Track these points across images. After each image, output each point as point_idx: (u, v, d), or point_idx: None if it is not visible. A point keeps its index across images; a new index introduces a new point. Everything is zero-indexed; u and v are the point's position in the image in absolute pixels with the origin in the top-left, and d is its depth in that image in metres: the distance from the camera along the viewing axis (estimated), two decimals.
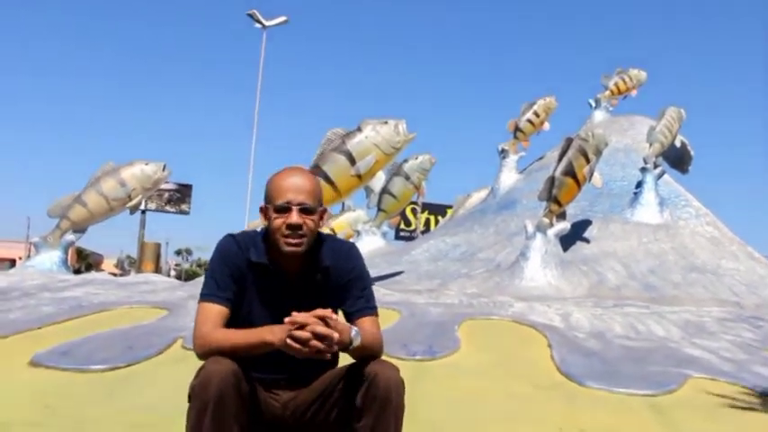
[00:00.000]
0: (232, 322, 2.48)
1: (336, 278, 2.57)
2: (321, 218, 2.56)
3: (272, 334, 2.30)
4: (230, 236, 2.61)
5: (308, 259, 2.55)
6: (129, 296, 8.19)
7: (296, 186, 2.49)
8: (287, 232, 2.46)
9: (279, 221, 2.48)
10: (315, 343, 2.26)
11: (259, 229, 2.66)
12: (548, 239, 9.69)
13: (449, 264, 11.40)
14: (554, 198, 9.94)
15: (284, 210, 2.47)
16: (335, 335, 2.28)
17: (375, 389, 2.33)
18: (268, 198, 2.53)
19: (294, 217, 2.46)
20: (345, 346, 2.35)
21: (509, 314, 6.97)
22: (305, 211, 2.48)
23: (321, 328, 2.27)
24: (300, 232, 2.47)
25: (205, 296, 2.50)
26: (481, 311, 7.11)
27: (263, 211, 2.56)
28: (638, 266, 10.34)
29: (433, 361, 5.26)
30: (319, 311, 2.30)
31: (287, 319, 2.29)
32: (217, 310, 2.47)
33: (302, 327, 2.28)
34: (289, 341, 2.26)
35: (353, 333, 2.37)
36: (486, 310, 7.17)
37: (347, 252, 2.63)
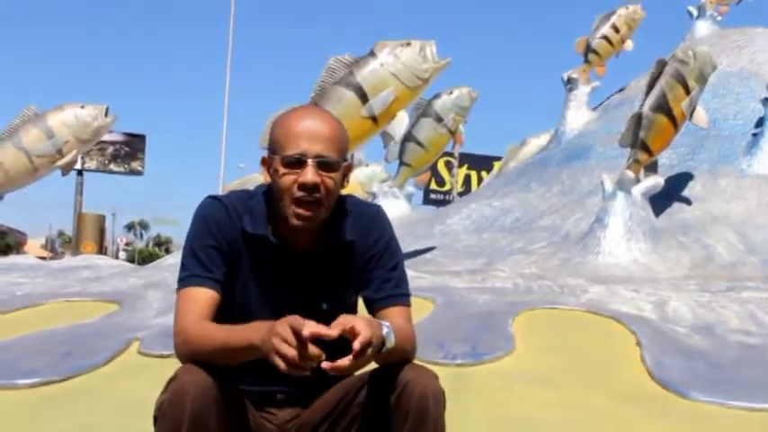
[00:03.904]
0: (224, 314, 2.48)
1: (359, 254, 2.58)
2: (345, 176, 2.54)
3: (258, 334, 2.26)
4: (215, 199, 2.60)
5: (325, 230, 2.54)
6: (64, 286, 8.25)
7: (313, 132, 2.47)
8: (298, 194, 2.44)
9: (288, 179, 2.45)
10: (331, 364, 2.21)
11: (252, 188, 2.65)
12: (633, 200, 9.63)
13: (498, 235, 11.39)
14: (641, 143, 9.86)
15: (296, 163, 2.45)
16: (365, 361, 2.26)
17: (407, 402, 2.33)
18: (274, 146, 2.51)
19: (309, 174, 2.43)
20: (377, 351, 2.31)
21: (582, 302, 6.96)
22: (324, 165, 2.45)
23: (347, 362, 2.22)
24: (317, 195, 2.45)
25: (185, 280, 2.51)
26: (543, 299, 7.10)
27: (266, 163, 2.55)
28: (760, 235, 10.26)
29: (479, 366, 5.28)
30: (358, 342, 2.20)
31: (306, 330, 2.16)
32: (203, 296, 2.48)
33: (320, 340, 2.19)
34: (278, 360, 2.17)
35: (386, 331, 2.35)
36: (549, 298, 7.17)
37: (371, 218, 2.63)
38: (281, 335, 2.16)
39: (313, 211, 2.46)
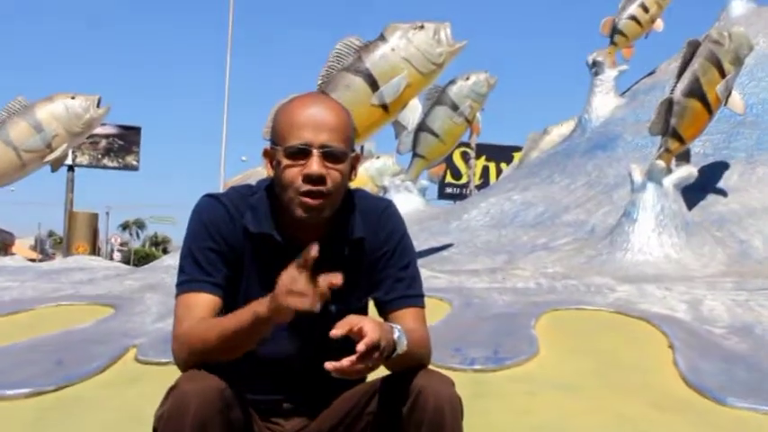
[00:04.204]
0: None
1: (369, 253, 2.59)
2: (353, 167, 2.56)
3: (260, 305, 2.29)
4: (212, 197, 2.61)
5: (333, 227, 2.55)
6: (55, 289, 8.27)
7: (318, 121, 2.48)
8: (304, 187, 2.45)
9: (292, 171, 2.46)
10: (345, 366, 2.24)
11: (254, 183, 2.66)
12: (664, 192, 9.61)
13: (519, 231, 11.38)
14: (673, 131, 9.83)
15: (300, 154, 2.46)
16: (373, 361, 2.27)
17: (421, 411, 2.35)
18: (276, 137, 2.52)
19: (314, 164, 2.45)
20: (386, 356, 2.34)
21: (610, 302, 6.95)
22: (330, 156, 2.47)
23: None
24: (323, 188, 2.46)
25: (184, 285, 2.52)
26: (568, 299, 7.10)
27: (269, 155, 2.56)
28: None
29: (500, 371, 5.27)
30: (362, 344, 2.24)
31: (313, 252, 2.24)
32: (203, 302, 2.49)
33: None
34: (291, 300, 2.22)
35: (397, 335, 2.37)
36: (575, 298, 7.16)
37: (382, 214, 2.64)
38: (284, 279, 2.22)
39: (320, 201, 2.46)
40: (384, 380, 2.48)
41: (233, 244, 2.54)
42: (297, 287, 2.20)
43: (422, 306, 2.62)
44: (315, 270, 2.54)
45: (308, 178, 2.44)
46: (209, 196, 2.61)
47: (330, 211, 2.50)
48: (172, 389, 2.33)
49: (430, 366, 2.52)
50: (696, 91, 9.98)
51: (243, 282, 2.56)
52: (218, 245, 2.53)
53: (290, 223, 2.52)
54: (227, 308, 2.51)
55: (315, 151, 2.45)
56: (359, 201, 2.62)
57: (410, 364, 2.43)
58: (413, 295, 2.60)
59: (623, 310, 6.64)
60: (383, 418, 2.44)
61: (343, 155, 2.49)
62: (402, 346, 2.36)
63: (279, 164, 2.49)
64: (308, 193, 2.45)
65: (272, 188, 2.56)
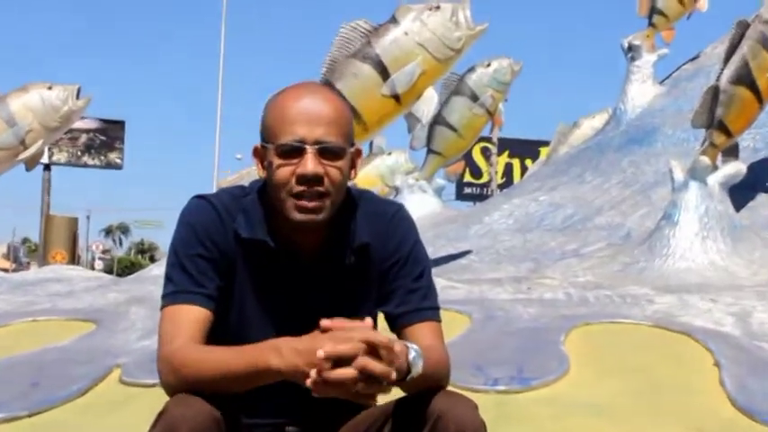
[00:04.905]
0: (216, 336, 2.49)
1: (378, 262, 2.58)
2: (353, 165, 2.56)
3: (277, 355, 2.28)
4: (203, 199, 2.61)
5: (334, 232, 2.56)
6: (30, 303, 8.29)
7: (313, 114, 2.48)
8: (298, 188, 2.46)
9: (285, 171, 2.47)
10: (362, 388, 2.23)
11: (246, 184, 2.66)
12: (709, 192, 9.60)
13: (546, 236, 11.38)
14: (718, 123, 9.82)
15: (293, 152, 2.46)
16: (392, 373, 2.26)
17: None
18: (267, 134, 2.53)
19: (309, 163, 2.45)
20: (399, 379, 2.33)
21: (648, 315, 6.94)
22: (327, 153, 2.47)
23: (375, 365, 2.23)
24: (320, 188, 2.46)
25: (171, 296, 2.52)
26: (602, 312, 7.09)
27: (259, 154, 2.57)
28: None
29: (526, 393, 5.28)
30: (365, 331, 2.26)
31: (322, 352, 2.20)
32: (193, 315, 2.48)
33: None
34: (314, 383, 2.21)
35: (413, 355, 2.36)
36: (610, 310, 7.15)
37: (391, 219, 2.63)
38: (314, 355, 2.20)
39: (317, 202, 2.46)
40: (399, 403, 2.47)
41: (224, 250, 2.54)
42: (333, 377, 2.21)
43: (438, 320, 2.61)
44: (316, 280, 2.54)
45: (303, 178, 2.45)
46: (199, 197, 2.62)
47: (329, 213, 2.50)
48: (160, 414, 2.32)
49: (449, 387, 2.52)
50: (745, 78, 9.96)
51: (236, 291, 2.57)
52: (208, 251, 2.53)
53: (286, 228, 2.52)
54: (219, 320, 2.52)
55: (309, 149, 2.45)
56: (364, 203, 2.62)
57: (428, 385, 2.42)
58: (428, 308, 2.59)
59: (663, 323, 6.62)
60: None
61: (342, 151, 2.49)
62: (417, 369, 2.35)
63: (270, 164, 2.49)
64: (302, 194, 2.45)
65: (266, 190, 2.56)
